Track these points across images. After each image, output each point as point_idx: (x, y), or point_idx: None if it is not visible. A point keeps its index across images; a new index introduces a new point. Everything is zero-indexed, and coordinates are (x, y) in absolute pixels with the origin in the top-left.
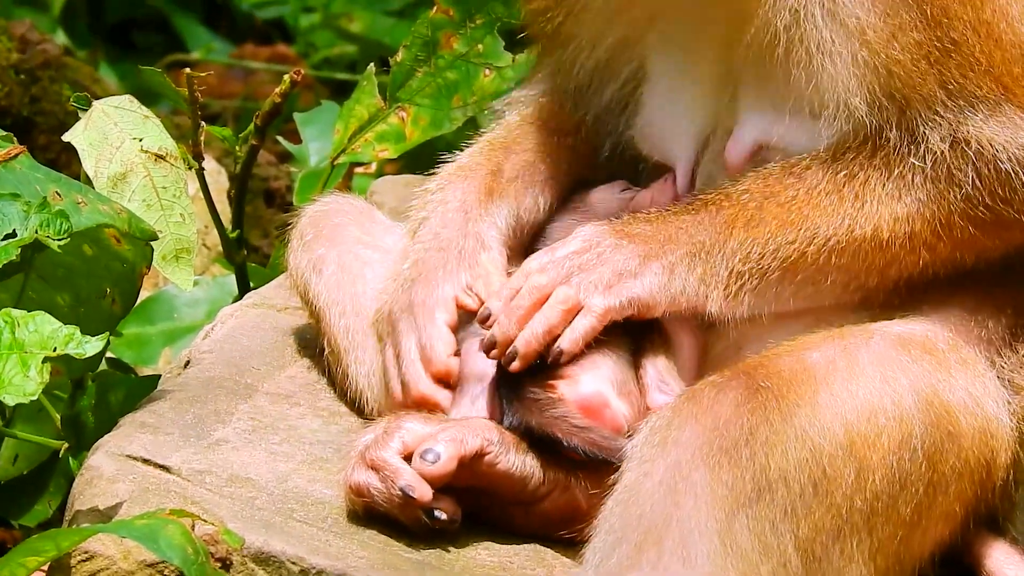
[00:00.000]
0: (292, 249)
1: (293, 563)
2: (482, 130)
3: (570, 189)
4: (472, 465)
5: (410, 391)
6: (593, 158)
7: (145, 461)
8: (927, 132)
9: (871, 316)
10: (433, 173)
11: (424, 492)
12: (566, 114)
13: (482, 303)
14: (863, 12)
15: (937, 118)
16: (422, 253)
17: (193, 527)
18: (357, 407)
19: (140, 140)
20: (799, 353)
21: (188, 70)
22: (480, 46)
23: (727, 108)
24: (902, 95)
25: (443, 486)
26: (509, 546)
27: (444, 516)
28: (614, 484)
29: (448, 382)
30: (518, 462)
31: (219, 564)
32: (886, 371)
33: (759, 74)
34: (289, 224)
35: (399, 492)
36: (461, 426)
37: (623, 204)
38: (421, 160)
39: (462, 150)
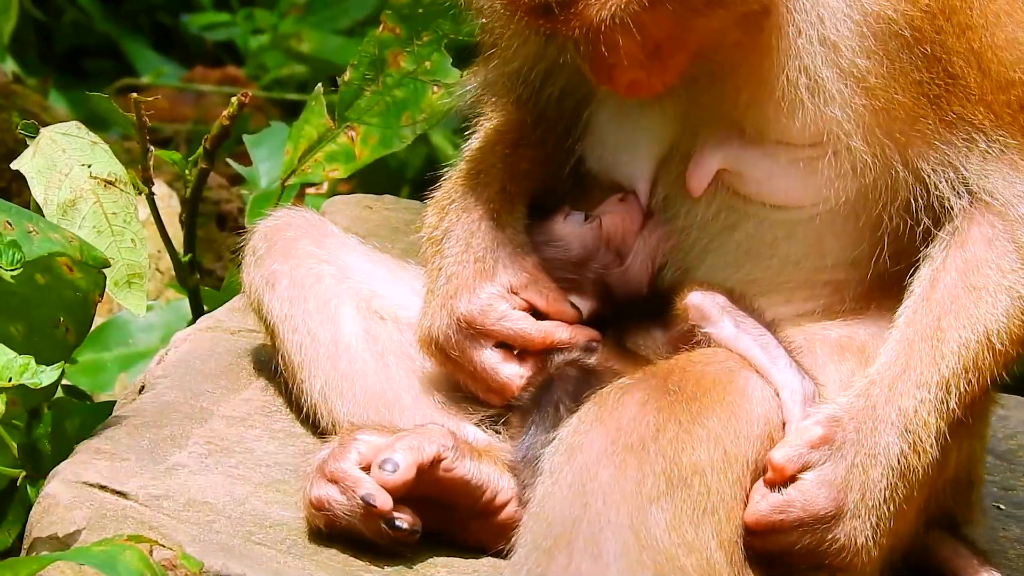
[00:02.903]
0: (245, 265)
1: None
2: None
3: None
4: (430, 472)
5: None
6: (559, 162)
7: (102, 487)
8: (929, 170)
9: (816, 319)
10: (383, 193)
11: (385, 501)
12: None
13: (529, 306)
14: (863, 59)
15: (936, 153)
16: (456, 267)
17: (151, 552)
18: (312, 423)
19: (89, 166)
20: (719, 362)
21: (135, 94)
22: (428, 63)
23: (687, 134)
24: (904, 134)
25: (401, 499)
26: (468, 561)
27: (405, 525)
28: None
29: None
30: (474, 469)
31: None
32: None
33: (732, 108)
34: (242, 244)
35: (360, 502)
36: (417, 434)
37: (596, 234)
38: (372, 179)
39: (414, 168)
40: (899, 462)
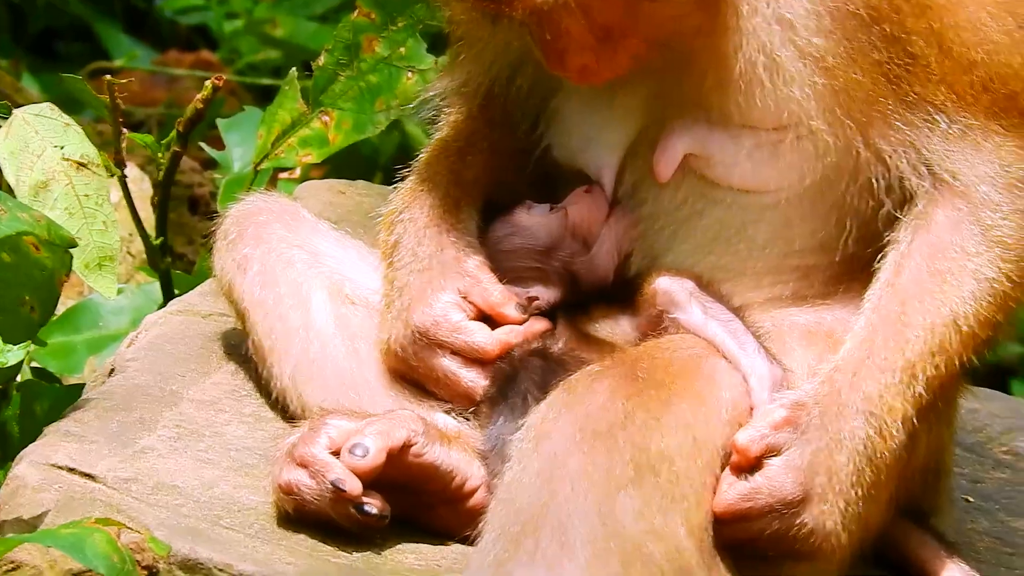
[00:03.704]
0: (217, 249)
1: (220, 570)
2: (432, 129)
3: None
4: (400, 457)
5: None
6: (523, 160)
7: (70, 470)
8: (891, 151)
9: (787, 304)
10: (356, 179)
11: (355, 486)
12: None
13: (478, 310)
14: (820, 39)
15: (897, 134)
16: (406, 277)
17: (119, 535)
18: (281, 407)
19: (61, 148)
20: (687, 348)
21: (109, 77)
22: (402, 49)
23: (654, 120)
24: (864, 114)
25: (371, 484)
26: (436, 547)
27: (375, 510)
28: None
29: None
30: (444, 455)
31: (146, 572)
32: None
33: (697, 94)
34: (213, 228)
35: (330, 486)
36: (387, 419)
37: (560, 223)
38: (346, 164)
39: (387, 153)
40: (865, 447)
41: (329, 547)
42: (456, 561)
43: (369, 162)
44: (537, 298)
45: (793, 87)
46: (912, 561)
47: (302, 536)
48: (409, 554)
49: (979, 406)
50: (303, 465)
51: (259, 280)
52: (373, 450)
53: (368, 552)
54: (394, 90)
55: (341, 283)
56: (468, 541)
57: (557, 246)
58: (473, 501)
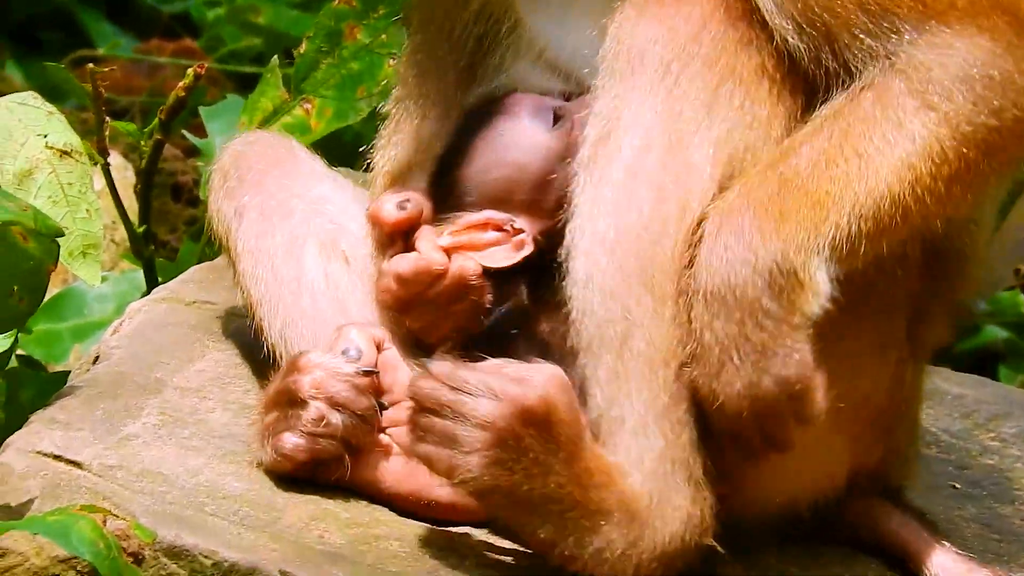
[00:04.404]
0: (214, 191)
1: (206, 557)
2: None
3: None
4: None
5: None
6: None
7: (56, 457)
8: (857, 62)
9: None
10: (338, 166)
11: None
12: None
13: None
14: None
15: (864, 46)
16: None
17: (105, 522)
18: (272, 361)
19: (45, 136)
20: None
21: (91, 65)
22: (384, 36)
23: None
24: (823, 21)
25: None
26: (418, 533)
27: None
28: None
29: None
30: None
31: (131, 559)
32: None
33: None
34: (211, 167)
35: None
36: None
37: (563, 141)
38: (328, 151)
39: (369, 140)
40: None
41: (314, 534)
42: (441, 547)
43: (351, 149)
44: (522, 231)
45: None
46: (891, 542)
47: (288, 523)
48: (394, 540)
49: (966, 392)
50: (312, 370)
51: (256, 229)
52: (362, 344)
53: (353, 539)
54: (376, 77)
55: (338, 236)
56: (452, 525)
57: (551, 170)
58: None
